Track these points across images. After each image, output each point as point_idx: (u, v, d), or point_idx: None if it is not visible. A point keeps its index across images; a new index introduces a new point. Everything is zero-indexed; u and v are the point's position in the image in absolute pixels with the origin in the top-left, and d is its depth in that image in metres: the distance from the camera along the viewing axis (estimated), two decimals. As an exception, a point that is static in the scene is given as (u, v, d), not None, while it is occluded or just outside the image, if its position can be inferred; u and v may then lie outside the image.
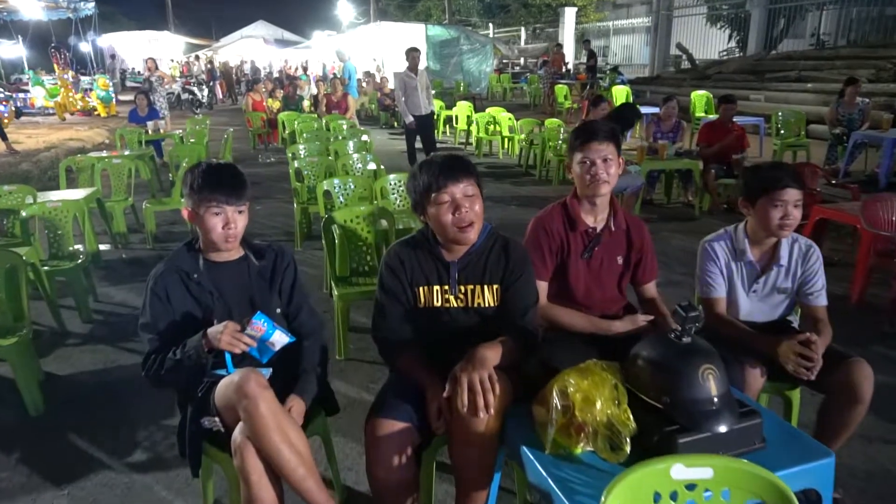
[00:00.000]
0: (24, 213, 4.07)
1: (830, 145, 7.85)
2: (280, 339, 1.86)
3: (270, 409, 1.68)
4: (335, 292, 3.36)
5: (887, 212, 3.96)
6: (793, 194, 2.20)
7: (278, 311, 2.08)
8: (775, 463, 1.53)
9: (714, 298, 2.36)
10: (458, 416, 1.67)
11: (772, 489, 1.29)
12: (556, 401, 1.58)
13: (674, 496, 1.30)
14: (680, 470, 1.29)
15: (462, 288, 1.94)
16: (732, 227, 2.44)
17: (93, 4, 14.74)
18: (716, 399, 1.51)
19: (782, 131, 8.41)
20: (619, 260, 2.27)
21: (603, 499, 1.25)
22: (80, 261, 4.00)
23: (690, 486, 1.31)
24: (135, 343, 3.69)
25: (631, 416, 1.53)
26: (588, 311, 2.23)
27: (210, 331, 1.85)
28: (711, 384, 1.51)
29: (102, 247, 5.43)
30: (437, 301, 1.95)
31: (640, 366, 1.60)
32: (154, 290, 1.94)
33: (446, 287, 1.94)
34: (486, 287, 1.94)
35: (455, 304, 1.95)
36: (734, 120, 6.61)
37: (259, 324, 1.82)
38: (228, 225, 1.94)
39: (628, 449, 1.49)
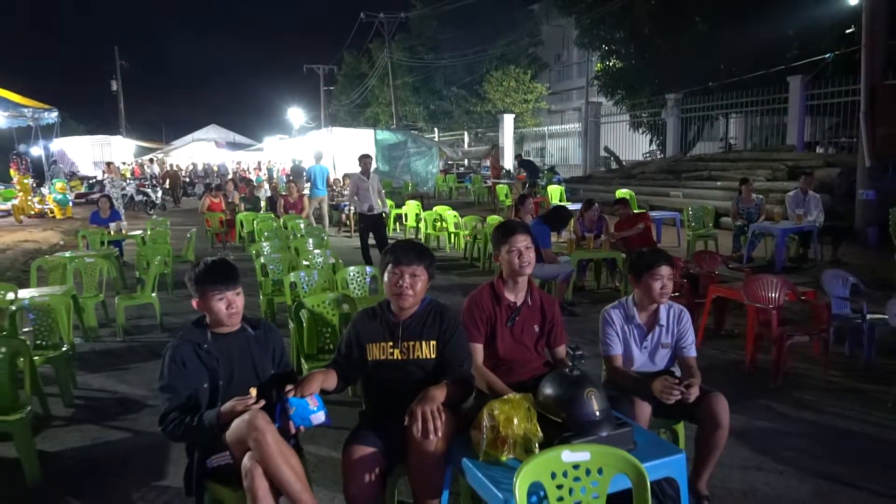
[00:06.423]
0: (12, 307, 4.47)
1: (735, 235, 9.01)
2: (318, 419, 2.32)
3: (275, 438, 2.21)
4: (304, 366, 3.88)
5: (763, 288, 4.82)
6: (667, 270, 2.96)
7: (272, 371, 2.62)
8: (641, 458, 2.10)
9: (612, 355, 3.02)
10: (414, 441, 2.22)
11: (631, 466, 1.90)
12: (486, 422, 2.16)
13: (564, 474, 1.89)
14: (567, 454, 1.89)
15: (405, 344, 2.55)
16: (625, 298, 3.15)
17: (56, 114, 15.27)
18: (598, 413, 2.13)
19: (693, 224, 9.57)
20: (536, 328, 2.91)
21: (515, 479, 1.83)
22: (65, 349, 4.39)
23: (576, 466, 1.90)
24: (120, 422, 4.07)
25: (539, 429, 2.12)
26: (510, 365, 2.84)
27: (224, 408, 2.36)
28: (594, 402, 2.13)
29: (74, 340, 5.75)
30: (383, 354, 2.55)
31: (546, 393, 2.22)
32: (173, 358, 2.47)
33: (391, 343, 2.55)
34: (423, 342, 2.55)
35: (398, 357, 2.55)
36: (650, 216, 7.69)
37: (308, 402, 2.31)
38: (231, 306, 2.52)
39: (538, 452, 2.08)
